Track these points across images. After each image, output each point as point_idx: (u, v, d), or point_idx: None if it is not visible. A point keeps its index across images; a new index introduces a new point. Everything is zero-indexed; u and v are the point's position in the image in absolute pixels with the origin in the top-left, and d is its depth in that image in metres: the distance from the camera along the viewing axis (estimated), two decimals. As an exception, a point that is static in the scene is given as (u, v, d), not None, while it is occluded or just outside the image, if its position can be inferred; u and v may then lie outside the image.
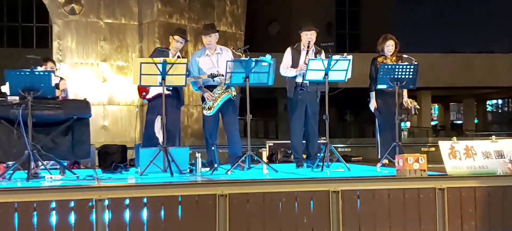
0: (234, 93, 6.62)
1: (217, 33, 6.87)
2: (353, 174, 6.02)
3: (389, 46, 7.30)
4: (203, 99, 6.82)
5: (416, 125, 28.41)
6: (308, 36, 6.85)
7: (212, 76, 6.59)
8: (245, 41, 13.33)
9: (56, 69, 7.92)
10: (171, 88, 6.52)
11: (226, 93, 6.61)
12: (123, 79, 12.28)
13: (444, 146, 5.57)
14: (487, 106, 35.75)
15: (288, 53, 6.98)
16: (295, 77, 6.84)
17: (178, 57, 6.67)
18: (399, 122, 6.91)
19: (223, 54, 6.76)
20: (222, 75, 6.53)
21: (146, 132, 6.96)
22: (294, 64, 6.86)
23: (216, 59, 6.72)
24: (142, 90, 6.82)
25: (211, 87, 6.70)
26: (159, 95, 6.65)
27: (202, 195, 4.88)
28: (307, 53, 6.84)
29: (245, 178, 5.55)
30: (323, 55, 6.86)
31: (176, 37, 6.76)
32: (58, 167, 5.97)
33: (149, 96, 6.80)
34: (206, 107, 6.69)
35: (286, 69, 6.91)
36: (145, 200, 4.76)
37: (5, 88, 5.56)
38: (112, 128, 12.27)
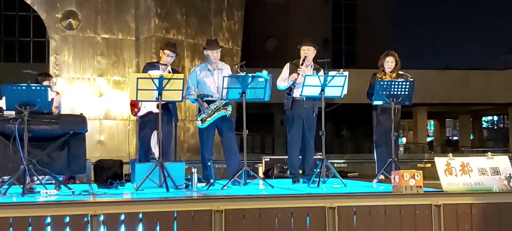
0: (230, 112, 6.64)
1: (220, 49, 6.92)
2: (349, 190, 6.02)
3: (389, 63, 7.33)
4: (199, 111, 6.84)
5: (412, 141, 28.46)
6: (305, 51, 6.90)
7: (200, 97, 6.64)
8: (242, 57, 13.38)
9: (54, 84, 7.94)
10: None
11: (222, 110, 6.64)
12: (119, 94, 12.29)
13: (440, 162, 5.58)
14: (483, 122, 35.84)
15: (286, 67, 7.03)
16: (291, 91, 6.86)
17: (169, 71, 6.67)
18: (395, 137, 6.93)
19: (224, 71, 6.79)
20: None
21: (141, 148, 6.96)
22: None
23: (217, 75, 6.74)
24: (134, 107, 6.83)
25: (209, 102, 6.72)
26: (150, 113, 6.68)
27: (198, 210, 4.86)
28: (301, 65, 6.85)
29: (241, 194, 5.54)
30: (321, 72, 6.88)
31: (166, 51, 6.77)
32: (53, 182, 5.95)
33: (140, 113, 6.81)
34: (200, 120, 6.72)
35: (281, 81, 6.95)
36: (140, 215, 4.73)
37: (1, 103, 5.54)
38: (108, 143, 12.26)
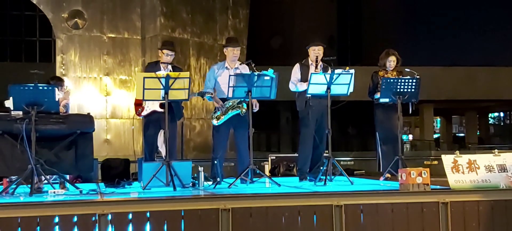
0: (244, 110, 6.64)
1: (239, 48, 6.93)
2: (356, 188, 6.01)
3: (391, 62, 7.33)
4: (215, 109, 6.86)
5: (418, 138, 28.37)
6: (316, 52, 6.88)
7: (201, 94, 6.66)
8: (247, 55, 13.38)
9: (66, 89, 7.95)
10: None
11: (236, 108, 6.65)
12: (126, 93, 12.32)
13: (447, 159, 5.56)
14: (489, 119, 35.68)
15: (296, 68, 7.01)
16: (305, 92, 6.84)
17: (170, 70, 6.68)
18: (401, 135, 6.91)
19: (241, 70, 6.76)
20: (212, 93, 6.67)
21: (146, 147, 6.98)
22: (303, 79, 6.89)
23: (233, 73, 6.72)
24: (138, 107, 6.86)
25: (224, 100, 6.74)
26: (154, 112, 6.70)
27: (205, 209, 4.87)
28: (316, 68, 6.84)
29: (248, 192, 5.55)
30: (330, 70, 6.86)
31: (165, 51, 6.81)
32: (61, 181, 5.97)
33: (144, 113, 6.83)
34: (215, 117, 6.76)
35: (296, 84, 6.94)
36: (148, 214, 4.76)
37: (9, 103, 5.57)
38: (115, 142, 12.30)
